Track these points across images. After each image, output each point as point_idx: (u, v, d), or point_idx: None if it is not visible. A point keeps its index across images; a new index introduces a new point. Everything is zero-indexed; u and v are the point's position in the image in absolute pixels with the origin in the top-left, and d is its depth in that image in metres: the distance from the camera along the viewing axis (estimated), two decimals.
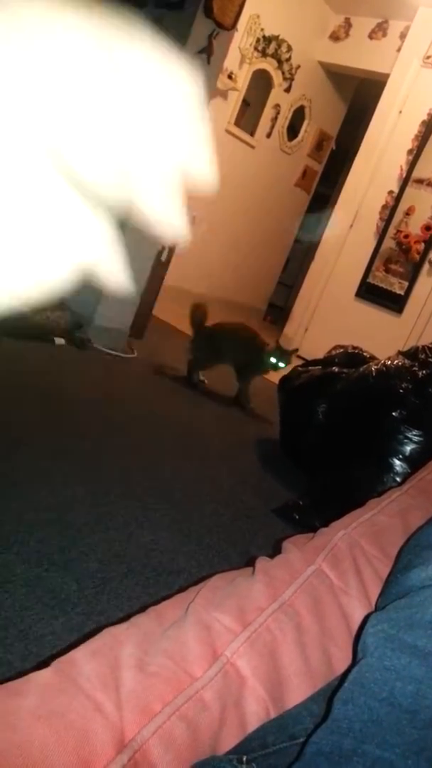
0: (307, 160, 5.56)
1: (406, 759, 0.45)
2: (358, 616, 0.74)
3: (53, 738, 0.48)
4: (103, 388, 2.35)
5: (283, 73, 4.86)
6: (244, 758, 0.55)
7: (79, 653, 0.58)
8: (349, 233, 4.40)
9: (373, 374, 1.93)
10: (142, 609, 0.70)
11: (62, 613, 1.04)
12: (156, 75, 0.21)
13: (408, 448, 1.73)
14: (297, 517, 1.74)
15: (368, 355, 2.37)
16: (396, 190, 4.20)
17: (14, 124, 0.19)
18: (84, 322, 2.80)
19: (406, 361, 1.95)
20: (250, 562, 0.83)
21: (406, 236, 4.14)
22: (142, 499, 1.56)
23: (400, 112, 4.21)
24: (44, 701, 0.51)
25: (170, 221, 0.23)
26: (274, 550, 0.88)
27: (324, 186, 6.01)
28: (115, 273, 0.23)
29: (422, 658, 0.50)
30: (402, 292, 4.17)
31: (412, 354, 2.01)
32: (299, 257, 6.40)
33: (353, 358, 2.34)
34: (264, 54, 4.63)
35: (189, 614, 0.64)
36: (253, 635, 0.63)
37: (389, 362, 1.96)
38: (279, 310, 6.35)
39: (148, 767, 0.49)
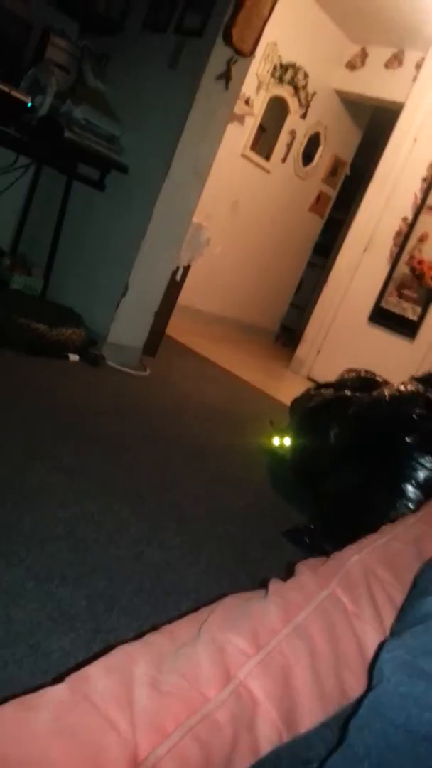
0: (322, 186, 5.61)
1: None
2: (371, 641, 0.74)
3: (67, 754, 0.48)
4: (116, 405, 2.36)
5: (299, 99, 4.93)
6: None
7: (93, 669, 0.58)
8: (362, 258, 4.43)
9: (387, 399, 1.92)
10: (152, 628, 0.70)
11: (72, 630, 1.03)
12: None
13: (421, 474, 1.72)
14: (307, 540, 1.73)
15: (381, 380, 2.37)
16: (410, 216, 4.23)
17: None
18: (98, 339, 2.83)
19: (420, 386, 1.94)
20: (262, 585, 0.83)
21: (420, 262, 4.16)
22: (152, 517, 1.55)
23: (415, 139, 4.25)
24: (58, 717, 0.51)
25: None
26: (287, 573, 0.87)
27: (338, 211, 6.05)
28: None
29: None
30: (415, 318, 4.17)
31: (426, 379, 2.01)
32: (312, 280, 6.42)
33: (366, 382, 2.33)
34: (281, 81, 4.71)
35: (202, 634, 0.64)
36: (267, 658, 0.63)
37: (403, 387, 1.95)
38: (291, 333, 6.35)
39: None
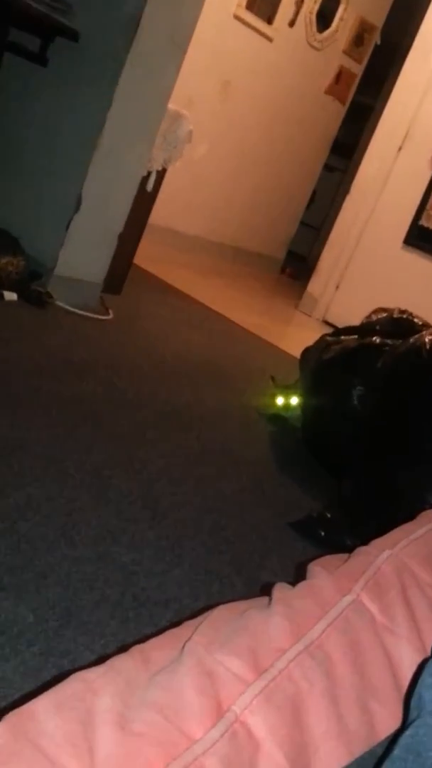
0: (343, 59, 5.50)
1: None
2: (408, 662, 0.74)
3: None
4: (68, 359, 2.34)
5: None
6: None
7: (40, 705, 0.58)
8: (396, 159, 4.37)
9: (428, 347, 1.92)
10: (122, 649, 0.70)
11: (14, 653, 1.04)
12: None
13: None
14: (322, 533, 1.75)
15: (420, 322, 2.36)
16: None
17: None
18: (43, 270, 2.79)
19: None
20: (263, 591, 0.83)
21: None
22: (119, 505, 1.56)
23: None
24: None
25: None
26: (297, 576, 0.88)
27: (364, 94, 5.95)
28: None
29: None
30: None
31: None
32: (329, 190, 6.35)
33: (400, 325, 2.33)
34: None
35: (185, 656, 0.64)
36: (271, 685, 0.63)
37: None
38: (301, 261, 6.32)
39: None
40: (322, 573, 0.84)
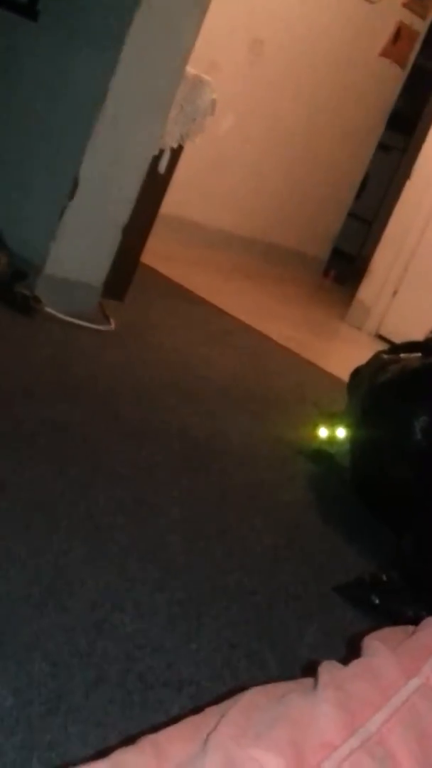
0: (403, 13, 5.52)
1: None
2: None
3: None
4: (60, 380, 2.35)
5: None
6: None
7: None
8: None
9: None
10: (124, 741, 0.69)
11: None
12: None
13: None
14: (377, 600, 1.74)
15: None
16: None
17: None
18: (29, 270, 2.80)
19: None
20: (305, 671, 0.82)
21: None
22: (121, 562, 1.55)
23: None
24: None
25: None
26: (349, 652, 0.87)
27: (429, 56, 5.97)
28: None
29: None
30: None
31: None
32: (385, 174, 6.37)
33: None
34: None
35: (210, 751, 0.63)
36: None
37: None
38: (349, 261, 6.32)
39: None
40: (381, 650, 0.82)
